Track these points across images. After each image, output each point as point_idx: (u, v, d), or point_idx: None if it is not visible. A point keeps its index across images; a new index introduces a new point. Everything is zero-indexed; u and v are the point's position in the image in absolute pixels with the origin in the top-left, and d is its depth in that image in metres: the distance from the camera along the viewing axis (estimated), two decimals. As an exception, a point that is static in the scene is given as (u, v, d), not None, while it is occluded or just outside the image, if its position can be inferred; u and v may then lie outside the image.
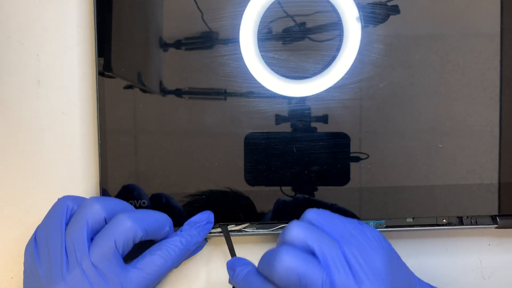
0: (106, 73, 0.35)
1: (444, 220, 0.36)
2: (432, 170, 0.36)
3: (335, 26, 0.35)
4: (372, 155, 0.36)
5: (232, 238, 0.36)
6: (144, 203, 0.35)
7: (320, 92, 0.35)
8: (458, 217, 0.36)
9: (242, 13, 0.35)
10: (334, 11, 0.35)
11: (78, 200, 0.33)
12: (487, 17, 0.36)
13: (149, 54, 0.35)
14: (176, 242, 0.33)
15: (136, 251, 0.33)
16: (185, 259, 0.35)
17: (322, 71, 0.36)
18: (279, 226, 0.36)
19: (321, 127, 0.36)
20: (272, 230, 0.36)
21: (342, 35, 0.35)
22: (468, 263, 0.38)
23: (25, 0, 0.37)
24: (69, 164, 0.37)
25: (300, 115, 0.36)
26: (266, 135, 0.36)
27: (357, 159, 0.36)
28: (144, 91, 0.35)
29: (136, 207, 0.35)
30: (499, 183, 0.36)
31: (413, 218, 0.36)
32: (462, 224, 0.36)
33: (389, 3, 0.35)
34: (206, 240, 0.37)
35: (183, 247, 0.33)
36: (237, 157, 0.35)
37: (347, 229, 0.31)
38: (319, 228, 0.31)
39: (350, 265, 0.29)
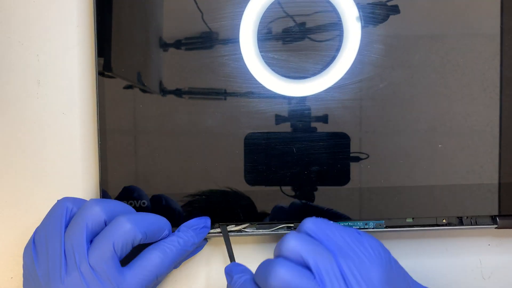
0: (106, 73, 0.35)
1: (444, 220, 0.36)
2: (432, 170, 0.36)
3: (335, 26, 0.35)
4: (372, 155, 0.36)
5: (232, 238, 0.36)
6: (144, 203, 0.35)
7: (320, 92, 0.35)
8: (458, 217, 0.36)
9: (242, 13, 0.35)
10: (334, 11, 0.35)
11: (77, 202, 0.33)
12: (487, 17, 0.36)
13: (149, 54, 0.35)
14: (174, 242, 0.33)
15: (135, 253, 0.33)
16: (184, 259, 0.35)
17: (322, 71, 0.36)
18: (279, 226, 0.36)
19: (321, 127, 0.36)
20: (272, 230, 0.36)
21: (342, 35, 0.35)
22: (468, 263, 0.38)
23: (25, 0, 0.37)
24: (69, 164, 0.37)
25: (300, 115, 0.36)
26: (266, 135, 0.36)
27: (357, 159, 0.36)
28: (144, 91, 0.35)
29: (136, 208, 0.35)
30: (499, 183, 0.36)
31: (413, 218, 0.36)
32: (462, 224, 0.36)
33: (389, 3, 0.35)
34: (206, 240, 0.37)
35: (180, 247, 0.33)
36: (237, 157, 0.35)
37: (345, 240, 0.31)
38: (315, 240, 0.31)
39: (345, 278, 0.29)
